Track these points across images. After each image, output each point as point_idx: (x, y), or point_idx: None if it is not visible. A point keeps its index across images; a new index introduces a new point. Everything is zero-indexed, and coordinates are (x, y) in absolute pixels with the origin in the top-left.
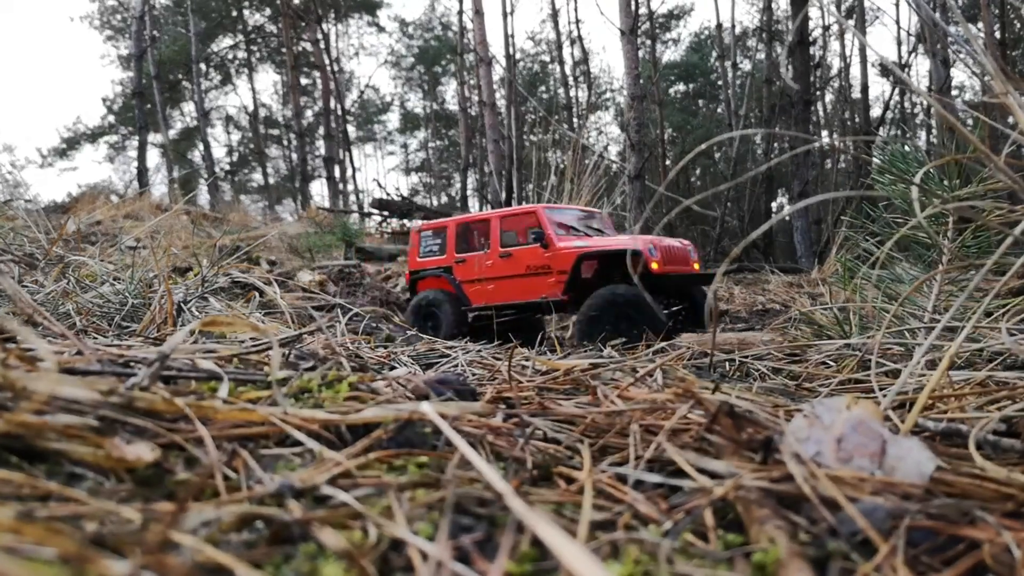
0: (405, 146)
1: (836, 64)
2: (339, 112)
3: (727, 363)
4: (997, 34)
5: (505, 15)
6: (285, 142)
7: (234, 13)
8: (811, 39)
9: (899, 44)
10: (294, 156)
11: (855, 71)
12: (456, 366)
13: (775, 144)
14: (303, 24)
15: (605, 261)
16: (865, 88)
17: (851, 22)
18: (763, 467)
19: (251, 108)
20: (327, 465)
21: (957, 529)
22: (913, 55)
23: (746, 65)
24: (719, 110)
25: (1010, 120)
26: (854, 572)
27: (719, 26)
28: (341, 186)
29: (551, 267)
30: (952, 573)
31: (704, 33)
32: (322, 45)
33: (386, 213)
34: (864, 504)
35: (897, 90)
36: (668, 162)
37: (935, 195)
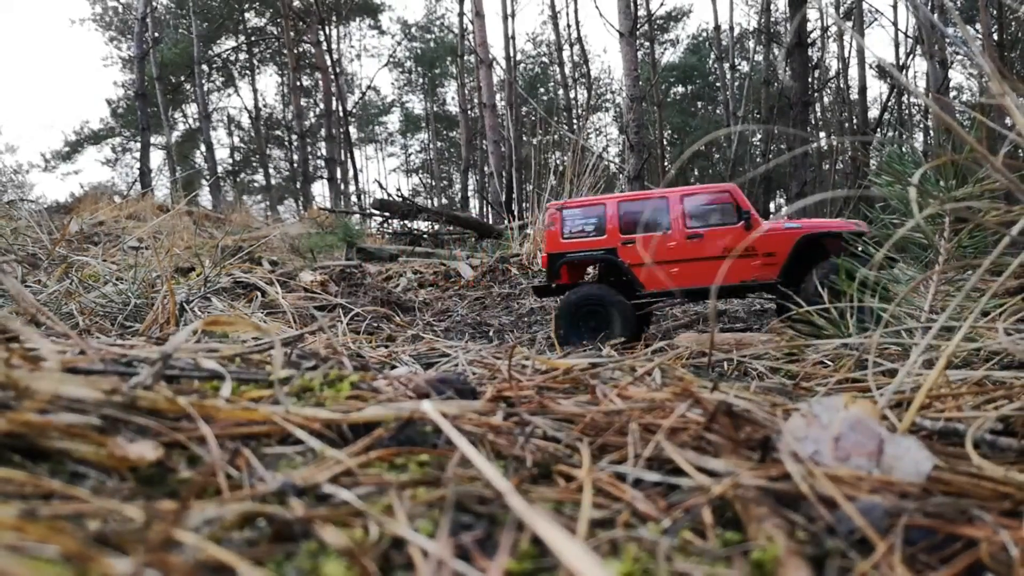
0: (406, 147)
1: (834, 66)
2: (341, 113)
3: (725, 362)
4: (995, 36)
5: (505, 17)
6: (287, 143)
7: (236, 15)
8: (809, 41)
9: (897, 46)
10: (296, 157)
11: (853, 72)
12: (456, 365)
13: (773, 145)
14: (304, 26)
15: (824, 242)
16: (863, 89)
17: (849, 24)
18: (761, 466)
19: (253, 109)
20: (328, 464)
21: (954, 527)
22: (911, 57)
23: (744, 67)
24: (718, 111)
25: (1007, 121)
26: (852, 570)
27: (717, 28)
28: (343, 187)
29: (756, 249)
30: (949, 571)
31: (703, 35)
32: (324, 47)
33: (387, 214)
34: (862, 503)
35: (895, 91)
36: (667, 163)
37: (932, 196)
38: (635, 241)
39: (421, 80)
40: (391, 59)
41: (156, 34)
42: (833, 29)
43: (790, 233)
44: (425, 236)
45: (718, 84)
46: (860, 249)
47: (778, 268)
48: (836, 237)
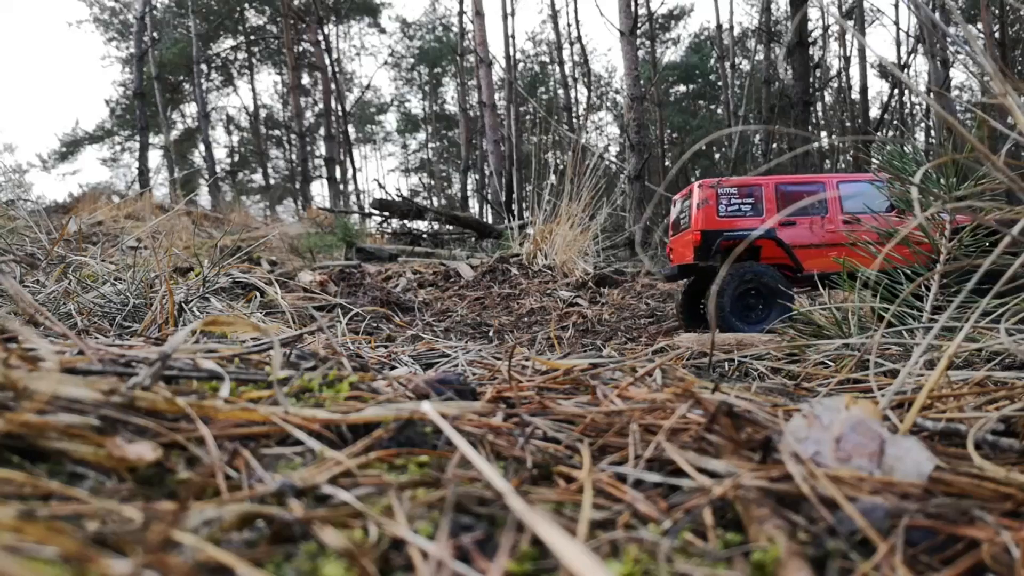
0: (405, 147)
1: (835, 65)
2: (340, 113)
3: (726, 363)
4: (996, 35)
5: (505, 16)
6: (286, 143)
7: (235, 14)
8: (810, 40)
9: (898, 45)
10: (295, 157)
11: (854, 71)
12: (456, 366)
13: (774, 144)
14: (304, 25)
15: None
16: (864, 89)
17: (850, 23)
18: (762, 466)
19: (252, 109)
20: (328, 464)
21: (956, 528)
22: (912, 56)
23: (745, 66)
24: (719, 111)
25: (1009, 120)
26: (853, 571)
27: (719, 27)
28: (342, 187)
29: (910, 236)
30: (951, 572)
31: (704, 34)
32: (323, 46)
33: (387, 214)
34: (863, 503)
35: (896, 91)
36: (668, 163)
37: (933, 195)
38: (795, 223)
39: (421, 80)
40: (391, 56)
41: (155, 34)
42: (834, 28)
43: (938, 223)
44: (425, 236)
45: (719, 83)
46: None
47: (927, 256)
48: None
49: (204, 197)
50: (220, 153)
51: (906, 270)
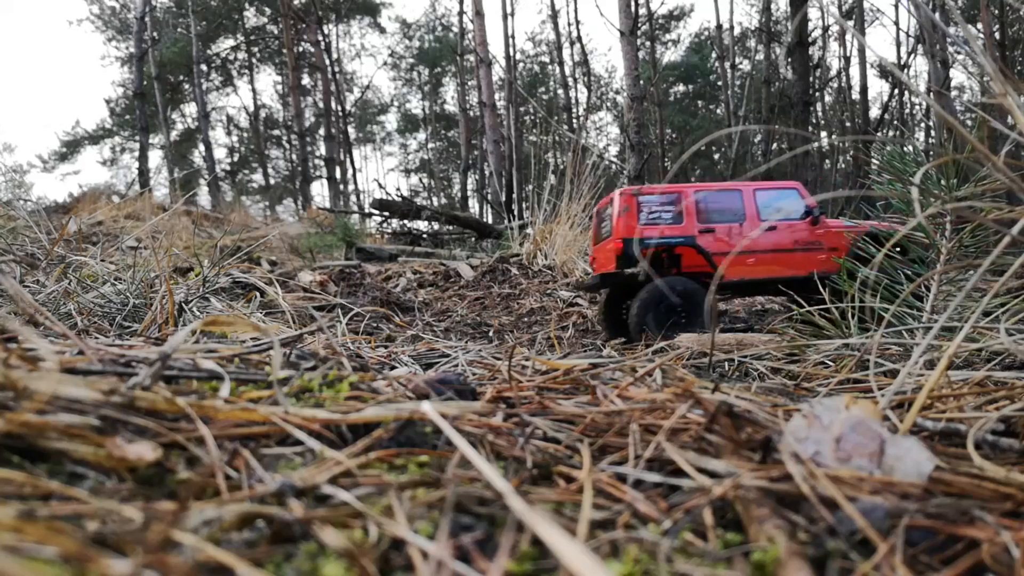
0: (405, 147)
1: (835, 65)
2: (340, 113)
3: (726, 363)
4: (996, 35)
5: (505, 16)
6: (286, 143)
7: (235, 14)
8: (810, 40)
9: (898, 45)
10: (295, 157)
11: (854, 72)
12: (456, 366)
13: (774, 144)
14: (304, 25)
15: (876, 240)
16: (864, 89)
17: (850, 23)
18: (762, 466)
19: (252, 109)
20: (328, 464)
21: (956, 528)
22: (912, 56)
23: (745, 66)
24: (719, 111)
25: (1009, 120)
26: (853, 571)
27: (719, 27)
28: (342, 187)
29: (822, 243)
30: (951, 572)
31: (704, 34)
32: (323, 46)
33: (387, 214)
34: (863, 503)
35: (896, 91)
36: (668, 162)
37: (934, 195)
38: (714, 230)
39: (421, 80)
40: (391, 57)
41: (155, 34)
42: (834, 28)
43: (855, 229)
44: (425, 236)
45: (719, 83)
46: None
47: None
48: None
49: (204, 197)
50: (220, 153)
51: (906, 270)
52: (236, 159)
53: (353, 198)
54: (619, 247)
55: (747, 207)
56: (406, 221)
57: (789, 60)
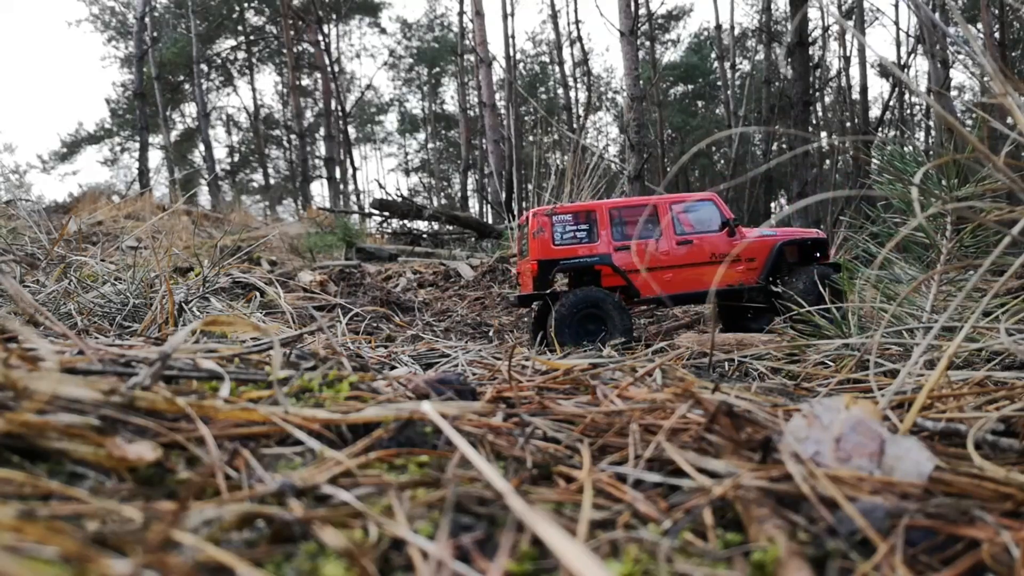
0: (405, 147)
1: (835, 65)
2: (340, 113)
3: (726, 363)
4: (996, 35)
5: (505, 16)
6: (286, 143)
7: (235, 14)
8: (810, 40)
9: (898, 45)
10: (295, 157)
11: (854, 72)
12: (456, 366)
13: (774, 144)
14: (304, 25)
15: (804, 248)
16: (864, 89)
17: (850, 23)
18: (762, 466)
19: (252, 109)
20: (328, 464)
21: (956, 528)
22: (912, 56)
23: (745, 66)
24: (719, 111)
25: (1009, 120)
26: (853, 571)
27: (718, 27)
28: (342, 186)
29: (740, 255)
30: (951, 572)
31: (703, 34)
32: (323, 46)
33: (387, 214)
34: (863, 503)
35: (896, 91)
36: (667, 162)
37: (934, 195)
38: (629, 247)
39: (420, 80)
40: (391, 56)
41: (155, 33)
42: (834, 28)
43: (768, 241)
44: (425, 236)
45: (719, 83)
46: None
47: (758, 272)
48: (802, 244)
49: (204, 197)
50: (220, 153)
51: (907, 271)
52: (236, 159)
53: (353, 198)
54: (535, 268)
55: (662, 222)
56: (406, 221)
57: (789, 60)
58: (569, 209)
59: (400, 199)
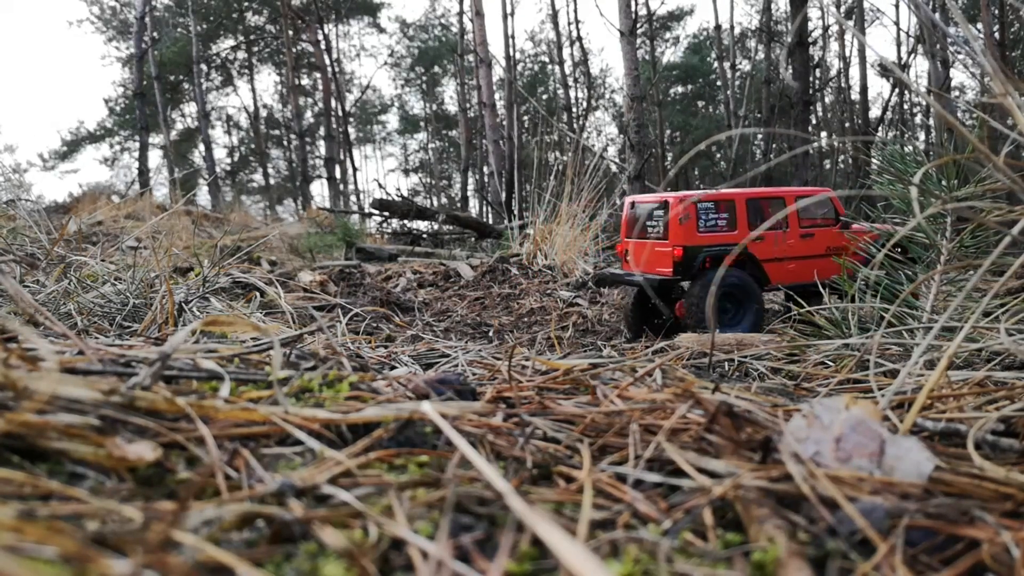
0: (405, 147)
1: (835, 65)
2: (340, 113)
3: (726, 363)
4: (996, 35)
5: (505, 16)
6: (286, 143)
7: (235, 14)
8: (811, 40)
9: (898, 45)
10: (295, 157)
11: (854, 71)
12: (456, 366)
13: (774, 144)
14: (304, 25)
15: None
16: (864, 89)
17: (851, 23)
18: (762, 467)
19: (252, 109)
20: (328, 464)
21: (956, 528)
22: (912, 56)
23: (745, 66)
24: (719, 111)
25: (1009, 121)
26: (853, 571)
27: (718, 27)
28: (342, 187)
29: (848, 248)
30: (951, 572)
31: (703, 34)
32: (323, 46)
33: (387, 214)
34: (863, 503)
35: (896, 91)
36: (668, 163)
37: (934, 195)
38: (763, 237)
39: (420, 80)
40: (391, 56)
41: (155, 33)
42: (834, 28)
43: (874, 235)
44: (425, 236)
45: (719, 83)
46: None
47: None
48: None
49: (204, 197)
50: (220, 153)
51: (907, 271)
52: (236, 159)
53: (353, 198)
54: (679, 254)
55: (789, 215)
56: (406, 221)
57: (789, 60)
58: (712, 197)
59: (400, 199)
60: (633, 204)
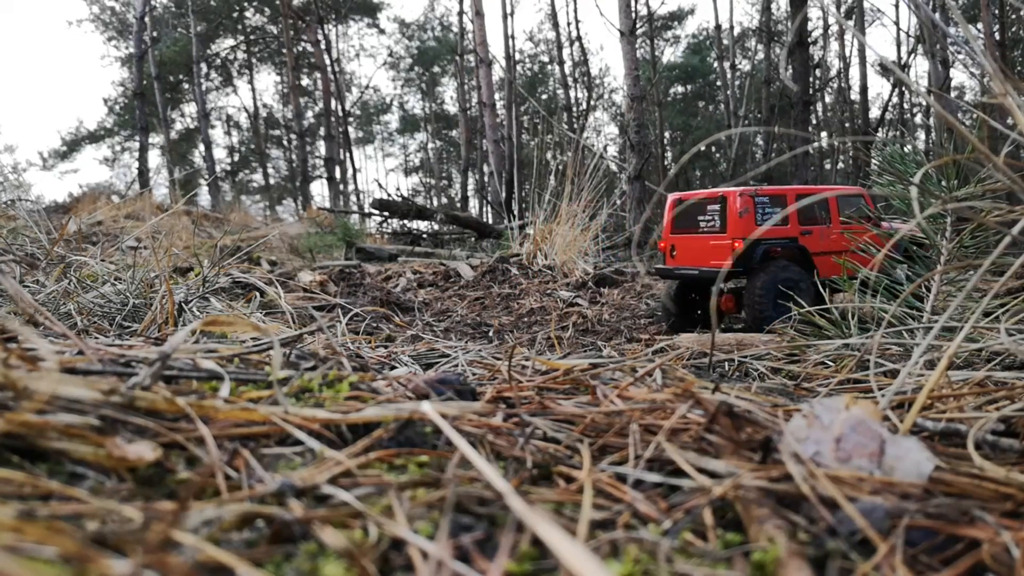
0: (405, 147)
1: (835, 65)
2: (340, 113)
3: (726, 363)
4: (996, 35)
5: (505, 16)
6: (286, 143)
7: (235, 14)
8: (811, 40)
9: (898, 45)
10: (295, 156)
11: (854, 72)
12: (456, 366)
13: (774, 144)
14: (304, 25)
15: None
16: (864, 89)
17: (851, 23)
18: (762, 467)
19: (252, 109)
20: (328, 464)
21: (956, 528)
22: (912, 56)
23: (745, 66)
24: (719, 111)
25: (1009, 120)
26: (853, 571)
27: (718, 27)
28: (342, 187)
29: (878, 244)
30: (951, 573)
31: (703, 34)
32: (323, 46)
33: (387, 214)
34: (863, 504)
35: (896, 91)
36: (668, 162)
37: (934, 195)
38: (811, 232)
39: (420, 80)
40: (390, 57)
41: (155, 33)
42: (834, 28)
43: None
44: (425, 236)
45: (719, 83)
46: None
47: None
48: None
49: (204, 197)
50: (220, 153)
51: (907, 271)
52: (236, 159)
53: (353, 198)
54: (740, 246)
55: (831, 211)
56: (406, 221)
57: (789, 60)
58: (768, 192)
59: (400, 199)
60: (680, 201)
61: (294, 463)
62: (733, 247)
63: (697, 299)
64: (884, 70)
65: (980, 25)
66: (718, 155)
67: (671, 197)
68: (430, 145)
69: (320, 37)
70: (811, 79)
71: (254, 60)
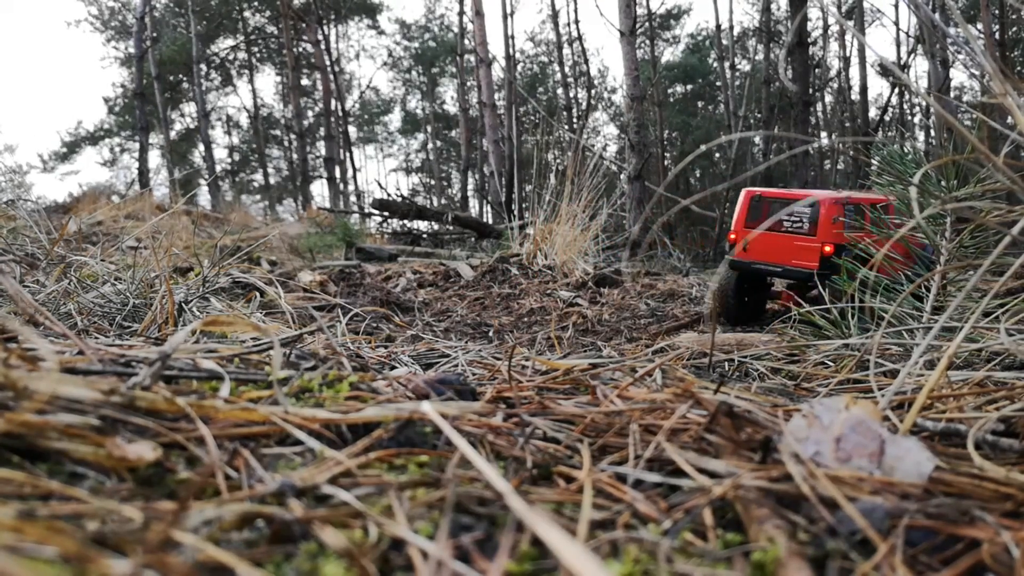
0: (405, 147)
1: (835, 65)
2: (340, 113)
3: (726, 363)
4: (996, 35)
5: (505, 16)
6: (286, 143)
7: (235, 14)
8: (810, 40)
9: (898, 45)
10: (295, 157)
11: (854, 72)
12: (456, 366)
13: (774, 144)
14: (304, 25)
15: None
16: (864, 89)
17: (851, 23)
18: (762, 467)
19: (252, 109)
20: (328, 464)
21: (956, 529)
22: (912, 56)
23: (745, 66)
24: (718, 111)
25: (1009, 120)
26: (853, 571)
27: (718, 27)
28: (342, 187)
29: (898, 251)
30: (951, 573)
31: (703, 34)
32: (323, 46)
33: (387, 214)
34: (863, 504)
35: (896, 92)
36: (668, 162)
37: (933, 196)
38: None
39: (420, 80)
40: (390, 57)
41: (155, 33)
42: (834, 28)
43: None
44: (425, 236)
45: (719, 83)
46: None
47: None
48: None
49: (204, 197)
50: (220, 153)
51: (907, 271)
52: (236, 159)
53: (353, 198)
54: (833, 251)
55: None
56: (406, 221)
57: (789, 60)
58: (854, 200)
59: (400, 199)
60: (760, 197)
61: (294, 463)
62: (823, 251)
63: (751, 293)
64: (884, 70)
65: (980, 25)
66: (718, 155)
67: (746, 192)
68: (430, 145)
69: (320, 37)
70: (811, 79)
71: (254, 60)
